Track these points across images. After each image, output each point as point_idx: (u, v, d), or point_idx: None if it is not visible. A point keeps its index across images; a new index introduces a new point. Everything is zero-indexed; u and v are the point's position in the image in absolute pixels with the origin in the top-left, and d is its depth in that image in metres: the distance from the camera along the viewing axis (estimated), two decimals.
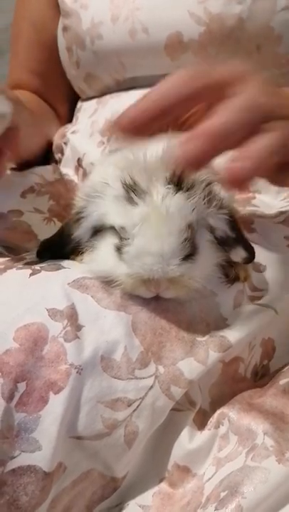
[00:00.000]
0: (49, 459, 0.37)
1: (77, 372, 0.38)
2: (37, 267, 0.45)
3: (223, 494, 0.38)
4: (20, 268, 0.45)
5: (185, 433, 0.43)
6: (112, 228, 0.43)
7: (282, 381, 0.48)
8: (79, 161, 0.74)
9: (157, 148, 0.40)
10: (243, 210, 0.57)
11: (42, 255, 0.48)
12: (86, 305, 0.42)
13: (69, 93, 0.84)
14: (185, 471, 0.43)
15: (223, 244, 0.44)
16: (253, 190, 0.63)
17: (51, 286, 0.42)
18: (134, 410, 0.40)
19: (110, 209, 0.42)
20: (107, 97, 0.75)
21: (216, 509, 0.38)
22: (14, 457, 0.36)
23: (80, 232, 0.45)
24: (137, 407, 0.40)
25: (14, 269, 0.45)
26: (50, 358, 0.38)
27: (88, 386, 0.39)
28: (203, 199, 0.42)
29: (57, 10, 0.78)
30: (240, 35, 0.64)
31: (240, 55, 0.66)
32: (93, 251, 0.44)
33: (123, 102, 0.71)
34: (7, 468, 0.36)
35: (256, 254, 0.45)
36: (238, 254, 0.44)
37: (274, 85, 0.42)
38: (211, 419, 0.44)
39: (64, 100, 0.86)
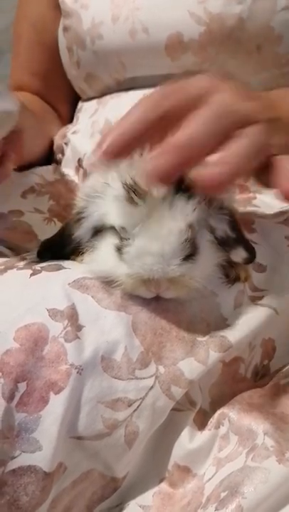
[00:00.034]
0: (49, 459, 0.37)
1: (77, 372, 0.38)
2: (37, 267, 0.45)
3: (223, 494, 0.38)
4: (21, 268, 0.45)
5: (185, 433, 0.43)
6: (113, 228, 0.43)
7: (283, 381, 0.48)
8: (79, 161, 0.74)
9: None
10: (244, 210, 0.57)
11: (42, 255, 0.48)
12: (86, 305, 0.42)
13: (70, 94, 0.84)
14: (185, 471, 0.43)
15: (224, 244, 0.44)
16: (253, 190, 0.63)
17: (52, 286, 0.42)
18: (134, 410, 0.40)
19: (111, 209, 0.42)
20: (108, 97, 0.75)
21: (216, 509, 0.38)
22: (14, 457, 0.36)
23: (81, 232, 0.45)
24: (138, 407, 0.40)
25: (15, 269, 0.45)
26: (50, 358, 0.38)
27: (88, 386, 0.39)
28: (204, 199, 0.42)
29: (57, 10, 0.78)
30: (241, 35, 0.64)
31: (241, 55, 0.66)
32: (94, 251, 0.44)
33: (123, 102, 0.72)
34: (7, 469, 0.36)
35: (257, 255, 0.45)
36: (239, 255, 0.44)
37: (247, 91, 0.43)
38: (211, 419, 0.44)
39: (65, 101, 0.86)
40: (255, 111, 0.40)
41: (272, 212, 0.56)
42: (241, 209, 0.56)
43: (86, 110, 0.78)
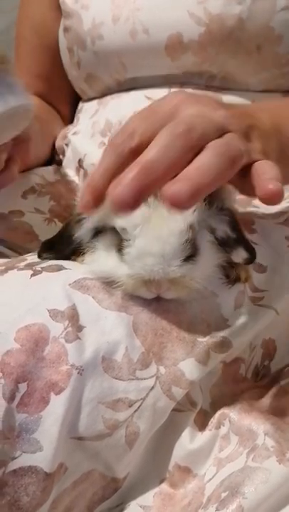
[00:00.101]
0: (50, 459, 0.37)
1: (78, 372, 0.39)
2: (38, 267, 0.45)
3: (224, 495, 0.38)
4: (22, 269, 0.45)
5: (186, 433, 0.43)
6: (113, 229, 0.43)
7: (283, 381, 0.48)
8: (80, 161, 0.74)
9: None
10: (244, 210, 0.57)
11: (43, 256, 0.48)
12: (87, 306, 0.42)
13: (71, 94, 0.84)
14: (186, 471, 0.43)
15: (224, 245, 0.44)
16: None
17: (52, 286, 0.42)
18: (135, 411, 0.40)
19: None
20: (108, 97, 0.75)
21: (216, 509, 0.38)
22: (15, 458, 0.36)
23: (81, 233, 0.45)
24: (138, 407, 0.40)
25: (15, 269, 0.45)
26: (51, 359, 0.38)
27: (89, 387, 0.39)
28: (204, 200, 0.42)
29: (58, 11, 0.78)
30: (240, 36, 0.64)
31: (241, 55, 0.66)
32: (94, 252, 0.44)
33: (124, 103, 0.72)
34: (8, 469, 0.36)
35: (257, 255, 0.45)
36: (239, 255, 0.44)
37: (221, 103, 0.42)
38: (211, 419, 0.44)
39: (67, 102, 0.86)
40: (227, 118, 0.40)
41: (272, 213, 0.56)
42: (241, 209, 0.56)
43: (86, 111, 0.78)
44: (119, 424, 0.39)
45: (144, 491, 0.43)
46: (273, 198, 0.36)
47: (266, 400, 0.46)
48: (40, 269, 0.45)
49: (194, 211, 0.41)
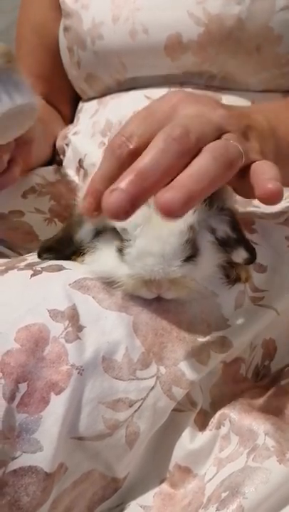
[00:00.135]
0: (50, 459, 0.37)
1: (78, 372, 0.39)
2: (38, 267, 0.45)
3: (224, 495, 0.38)
4: (22, 269, 0.45)
5: (186, 433, 0.43)
6: (114, 229, 0.43)
7: (283, 381, 0.48)
8: (80, 161, 0.74)
9: None
10: (244, 210, 0.57)
11: (43, 256, 0.48)
12: (87, 306, 0.42)
13: (72, 95, 0.84)
14: (186, 471, 0.43)
15: (224, 245, 0.44)
16: None
17: (52, 287, 0.42)
18: (135, 411, 0.40)
19: None
20: (108, 97, 0.75)
21: (217, 509, 0.38)
22: (15, 458, 0.36)
23: (82, 233, 0.45)
24: (139, 407, 0.40)
25: (15, 269, 0.45)
26: (51, 359, 0.38)
27: (89, 387, 0.39)
28: (205, 200, 0.42)
29: (58, 11, 0.78)
30: (240, 36, 0.64)
31: (240, 55, 0.66)
32: (95, 252, 0.44)
33: (124, 103, 0.72)
34: (8, 469, 0.36)
35: (257, 255, 0.45)
36: (239, 255, 0.44)
37: (219, 102, 0.42)
38: (212, 419, 0.44)
39: (67, 102, 0.86)
40: (226, 118, 0.40)
41: (272, 213, 0.56)
42: (242, 209, 0.56)
43: (86, 110, 0.78)
44: (119, 424, 0.39)
45: (144, 491, 0.43)
46: (273, 198, 0.35)
47: (266, 400, 0.45)
48: (40, 269, 0.45)
49: (195, 211, 0.41)
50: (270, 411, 0.44)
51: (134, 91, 0.72)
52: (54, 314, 0.40)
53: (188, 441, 0.43)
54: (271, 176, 0.37)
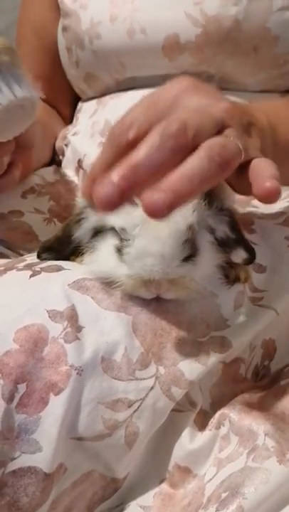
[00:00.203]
0: (49, 460, 0.37)
1: (77, 373, 0.38)
2: (37, 268, 0.45)
3: (224, 495, 0.38)
4: (21, 269, 0.45)
5: (186, 434, 0.43)
6: (113, 229, 0.43)
7: (283, 381, 0.48)
8: (79, 162, 0.74)
9: None
10: (243, 211, 0.57)
11: (42, 256, 0.48)
12: (86, 306, 0.42)
13: (72, 95, 0.84)
14: (186, 471, 0.43)
15: (224, 245, 0.44)
16: None
17: (51, 287, 0.42)
18: (134, 411, 0.40)
19: None
20: (107, 97, 0.75)
21: (217, 510, 0.38)
22: (15, 458, 0.36)
23: (81, 233, 0.45)
24: (138, 407, 0.40)
25: (14, 270, 0.45)
26: (50, 359, 0.38)
27: (89, 387, 0.39)
28: (204, 200, 0.42)
29: (58, 12, 0.78)
30: (237, 37, 0.64)
31: (238, 56, 0.66)
32: (94, 252, 0.44)
33: (123, 103, 0.72)
34: (7, 470, 0.36)
35: (256, 255, 0.45)
36: (239, 255, 0.44)
37: (222, 96, 0.41)
38: (211, 419, 0.44)
39: (67, 102, 0.86)
40: (229, 111, 0.40)
41: (271, 213, 0.56)
42: (241, 210, 0.56)
43: (86, 110, 0.78)
44: (118, 425, 0.39)
45: (144, 491, 0.43)
46: (270, 196, 0.35)
47: (266, 400, 0.45)
48: (39, 269, 0.45)
49: (194, 211, 0.41)
50: (270, 411, 0.44)
51: (133, 91, 0.72)
52: (53, 315, 0.40)
53: (188, 441, 0.43)
54: (270, 174, 0.37)
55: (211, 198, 0.43)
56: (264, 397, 0.46)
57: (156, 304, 0.43)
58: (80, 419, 0.38)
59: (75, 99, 0.85)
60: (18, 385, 0.37)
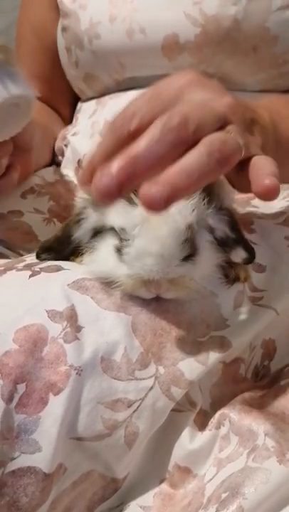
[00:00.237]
0: (49, 460, 0.37)
1: (76, 373, 0.38)
2: (37, 268, 0.45)
3: (224, 495, 0.38)
4: (20, 269, 0.45)
5: (186, 433, 0.43)
6: (112, 229, 0.43)
7: (283, 381, 0.48)
8: (79, 162, 0.74)
9: None
10: (243, 210, 0.57)
11: (42, 257, 0.47)
12: (86, 306, 0.42)
13: (71, 96, 0.84)
14: (186, 471, 0.42)
15: (223, 244, 0.44)
16: None
17: (51, 287, 0.42)
18: (134, 411, 0.40)
19: (110, 210, 0.42)
20: (107, 97, 0.75)
21: (217, 510, 0.38)
22: (14, 458, 0.36)
23: (80, 233, 0.45)
24: (137, 407, 0.40)
25: (14, 270, 0.45)
26: (49, 359, 0.38)
27: (88, 387, 0.39)
28: (203, 200, 0.42)
29: (57, 12, 0.78)
30: (236, 36, 0.64)
31: (237, 56, 0.66)
32: (93, 252, 0.44)
33: (122, 103, 0.71)
34: (7, 470, 0.36)
35: (256, 255, 0.45)
36: (238, 255, 0.44)
37: (226, 91, 0.41)
38: (211, 419, 0.44)
39: (67, 103, 0.86)
40: (232, 107, 0.40)
41: (271, 213, 0.56)
42: (240, 209, 0.56)
43: (85, 111, 0.79)
44: (118, 425, 0.39)
45: (144, 491, 0.43)
46: (269, 194, 0.35)
47: (266, 400, 0.45)
48: (38, 269, 0.45)
49: (193, 211, 0.41)
50: (270, 411, 0.44)
51: (133, 91, 0.72)
52: (52, 315, 0.40)
53: (188, 441, 0.43)
54: (269, 171, 0.36)
55: (211, 197, 0.43)
56: (264, 397, 0.46)
57: (156, 304, 0.43)
58: (79, 419, 0.38)
59: (75, 100, 0.85)
60: (17, 385, 0.37)
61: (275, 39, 0.65)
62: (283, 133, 0.47)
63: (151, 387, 0.41)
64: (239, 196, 0.55)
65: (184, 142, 0.36)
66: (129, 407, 0.40)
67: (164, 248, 0.40)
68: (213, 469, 0.41)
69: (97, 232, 0.44)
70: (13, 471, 0.36)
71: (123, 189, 0.34)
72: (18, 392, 0.37)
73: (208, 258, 0.43)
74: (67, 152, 0.78)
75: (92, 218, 0.44)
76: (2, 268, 0.46)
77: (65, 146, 0.79)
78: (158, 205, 0.32)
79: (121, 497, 0.42)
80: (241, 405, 0.44)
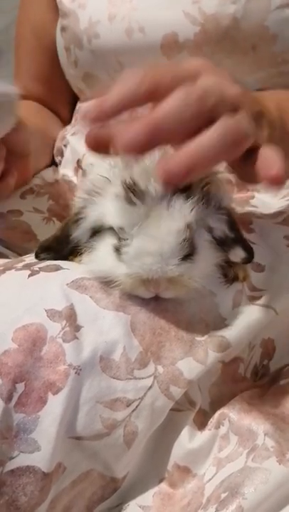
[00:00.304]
0: (48, 459, 0.37)
1: (75, 372, 0.38)
2: (36, 267, 0.45)
3: (223, 495, 0.38)
4: (19, 269, 0.45)
5: (185, 433, 0.43)
6: (111, 229, 0.43)
7: (283, 381, 0.48)
8: (78, 162, 0.74)
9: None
10: (242, 210, 0.57)
11: (41, 256, 0.47)
12: (85, 305, 0.42)
13: (71, 96, 0.84)
14: (185, 471, 0.43)
15: (222, 244, 0.44)
16: (251, 189, 0.62)
17: (50, 286, 0.42)
18: (133, 410, 0.40)
19: (109, 209, 0.42)
20: None
21: (216, 510, 0.38)
22: (13, 458, 0.36)
23: (79, 233, 0.45)
24: (136, 407, 0.40)
25: (13, 270, 0.45)
26: (48, 359, 0.38)
27: (87, 386, 0.39)
28: (202, 199, 0.42)
29: (56, 12, 0.78)
30: (236, 35, 0.64)
31: (236, 54, 0.66)
32: (92, 252, 0.44)
33: None
34: (6, 469, 0.36)
35: (255, 254, 0.45)
36: (237, 254, 0.44)
37: (232, 80, 0.42)
38: (211, 419, 0.44)
39: (66, 103, 0.86)
40: (241, 96, 0.40)
41: (270, 212, 0.56)
42: (239, 209, 0.56)
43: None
44: (117, 424, 0.39)
45: (143, 491, 0.43)
46: (277, 181, 0.35)
47: (266, 400, 0.45)
48: (37, 269, 0.45)
49: (192, 210, 0.41)
50: (270, 411, 0.44)
51: None
52: (51, 314, 0.40)
53: (188, 440, 0.43)
54: (278, 160, 0.37)
55: (209, 196, 0.43)
56: (264, 397, 0.46)
57: (155, 303, 0.43)
58: (78, 419, 0.38)
59: (74, 100, 0.85)
60: (16, 384, 0.37)
61: (274, 38, 0.65)
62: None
63: (150, 387, 0.41)
64: (238, 195, 0.56)
65: (201, 117, 0.36)
66: (128, 406, 0.40)
67: (162, 247, 0.40)
68: (212, 469, 0.41)
69: (96, 231, 0.44)
70: (12, 471, 0.36)
71: (151, 144, 0.35)
72: (17, 391, 0.37)
73: (207, 257, 0.43)
74: (67, 152, 0.78)
75: (90, 218, 0.44)
76: (1, 268, 0.46)
77: (64, 146, 0.79)
78: (175, 178, 0.34)
79: (120, 497, 0.42)
80: (241, 405, 0.44)
